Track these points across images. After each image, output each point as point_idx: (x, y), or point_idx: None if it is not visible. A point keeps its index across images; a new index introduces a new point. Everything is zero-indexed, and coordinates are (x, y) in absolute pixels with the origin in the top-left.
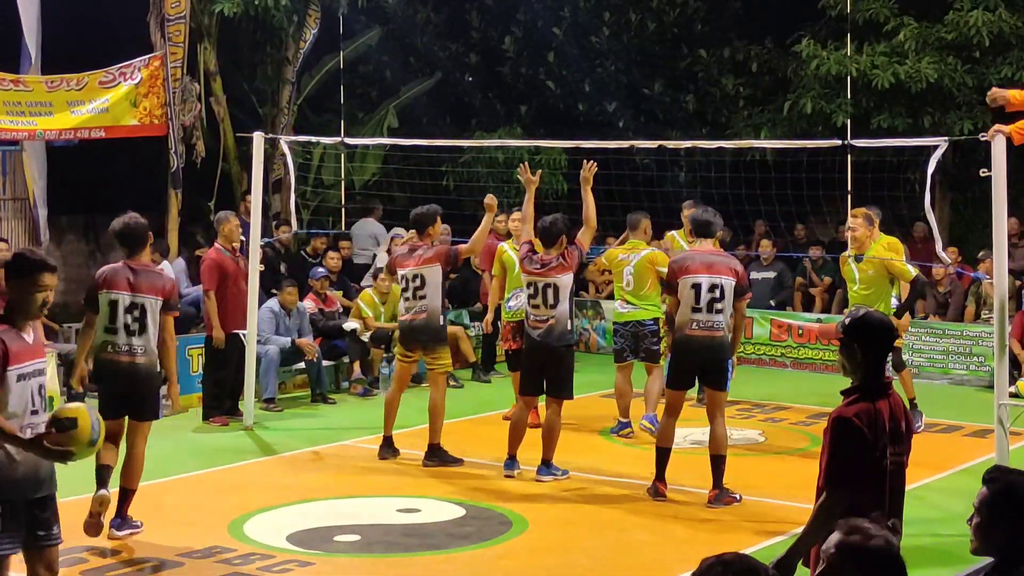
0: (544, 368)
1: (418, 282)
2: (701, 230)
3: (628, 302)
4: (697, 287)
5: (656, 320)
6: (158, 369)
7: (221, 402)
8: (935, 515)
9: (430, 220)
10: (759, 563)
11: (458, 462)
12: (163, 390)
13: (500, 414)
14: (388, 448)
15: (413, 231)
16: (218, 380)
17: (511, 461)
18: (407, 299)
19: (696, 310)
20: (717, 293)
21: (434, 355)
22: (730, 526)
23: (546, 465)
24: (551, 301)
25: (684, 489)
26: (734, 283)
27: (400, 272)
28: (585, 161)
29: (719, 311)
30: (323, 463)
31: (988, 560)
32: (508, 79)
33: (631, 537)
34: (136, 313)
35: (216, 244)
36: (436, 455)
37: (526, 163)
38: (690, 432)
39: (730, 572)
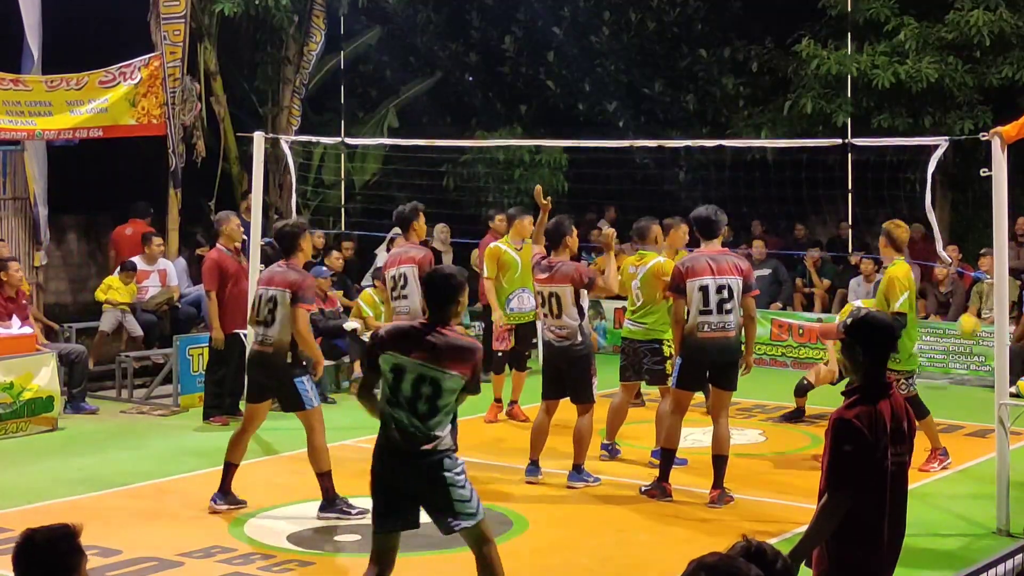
0: (561, 372)
1: (401, 281)
2: (705, 230)
3: (631, 319)
4: (705, 289)
5: (658, 340)
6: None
7: (222, 401)
8: (936, 515)
9: (412, 216)
10: (743, 564)
11: None
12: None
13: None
14: None
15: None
16: (219, 380)
17: (533, 467)
18: (394, 299)
19: (705, 312)
20: (725, 294)
21: None
22: (730, 526)
23: (577, 470)
24: (555, 311)
25: (684, 489)
26: (741, 281)
27: (388, 273)
28: (607, 228)
29: (728, 311)
30: None
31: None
32: (508, 79)
33: (631, 537)
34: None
35: (218, 244)
36: None
37: (540, 188)
38: (691, 432)
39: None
